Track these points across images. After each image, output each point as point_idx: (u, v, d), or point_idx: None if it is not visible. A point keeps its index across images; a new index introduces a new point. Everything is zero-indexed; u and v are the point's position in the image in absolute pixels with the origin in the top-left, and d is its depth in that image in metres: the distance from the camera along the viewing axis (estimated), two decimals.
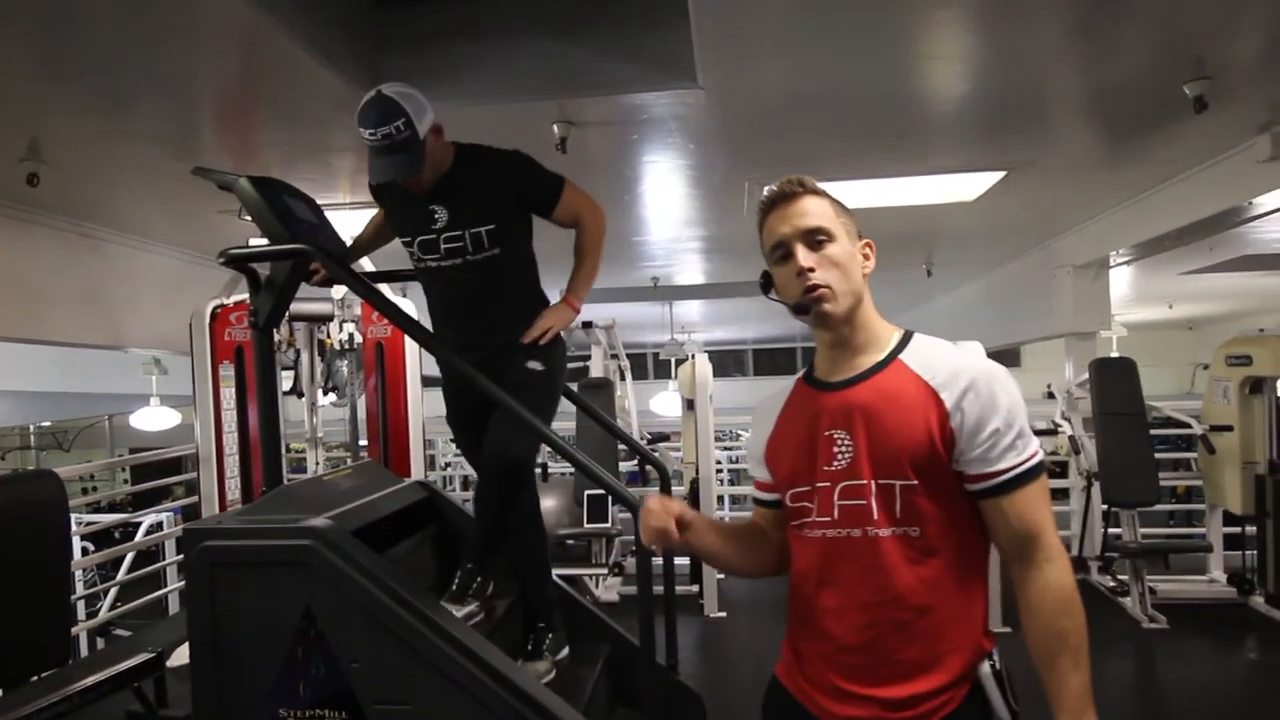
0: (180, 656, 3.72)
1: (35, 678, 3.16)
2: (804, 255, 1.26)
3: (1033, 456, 1.21)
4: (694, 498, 4.81)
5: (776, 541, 1.43)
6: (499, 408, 2.04)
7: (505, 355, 2.10)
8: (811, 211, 1.27)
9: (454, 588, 2.11)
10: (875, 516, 1.22)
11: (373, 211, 2.39)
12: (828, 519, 1.26)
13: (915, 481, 1.21)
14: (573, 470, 5.42)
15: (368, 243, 2.37)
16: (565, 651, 2.19)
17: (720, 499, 7.64)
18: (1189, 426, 4.76)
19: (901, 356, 1.27)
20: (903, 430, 1.21)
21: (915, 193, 4.43)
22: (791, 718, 1.31)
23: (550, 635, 2.18)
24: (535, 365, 2.10)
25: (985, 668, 1.22)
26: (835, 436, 1.26)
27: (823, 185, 1.33)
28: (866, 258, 1.30)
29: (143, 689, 3.23)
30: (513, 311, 2.14)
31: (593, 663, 2.23)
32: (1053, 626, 1.18)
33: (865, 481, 1.23)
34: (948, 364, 1.23)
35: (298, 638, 1.72)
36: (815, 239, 1.27)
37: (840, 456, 1.25)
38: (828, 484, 1.26)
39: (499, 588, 2.18)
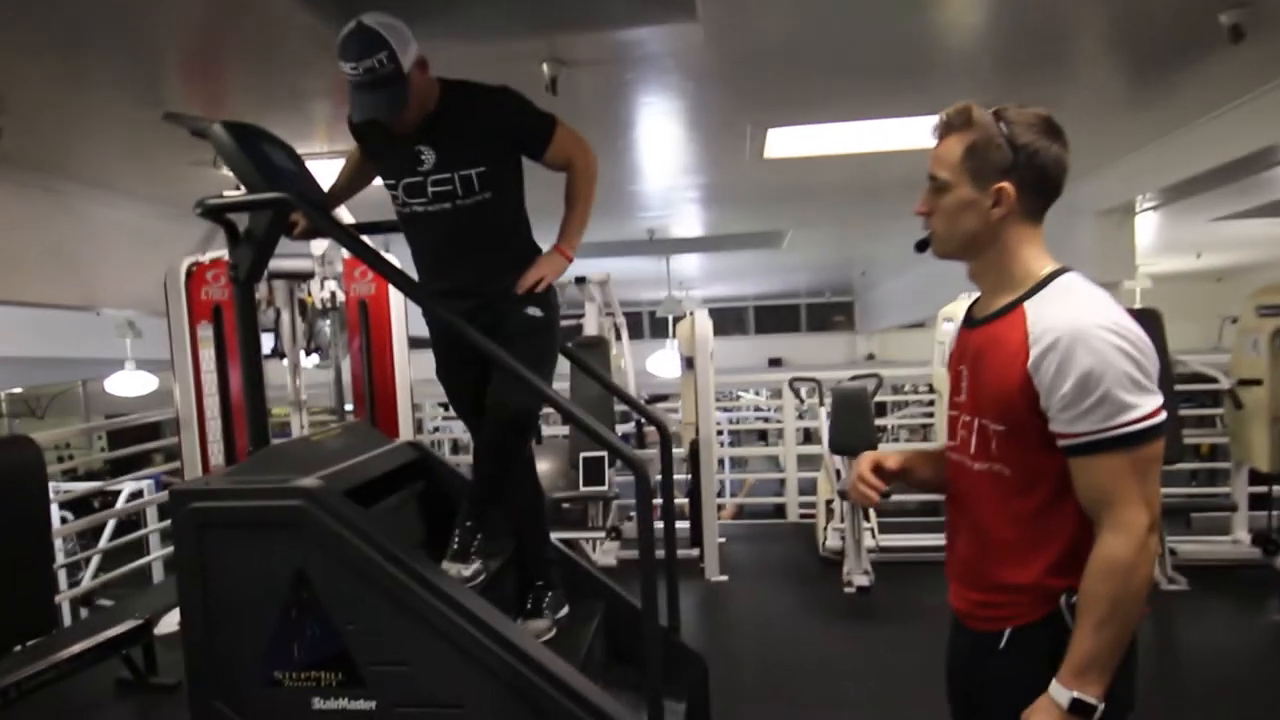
0: (168, 625, 3.81)
1: (19, 647, 3.24)
2: (922, 199, 1.44)
3: (1119, 426, 1.24)
4: (693, 460, 4.86)
5: None
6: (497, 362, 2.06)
7: (500, 304, 2.11)
8: (940, 158, 1.41)
9: (454, 547, 2.14)
10: (973, 451, 1.41)
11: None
12: (953, 444, 1.48)
13: (1002, 428, 1.35)
14: (567, 433, 5.47)
15: (344, 189, 2.35)
16: (565, 610, 2.25)
17: (720, 462, 7.73)
18: (1216, 381, 4.79)
19: (1027, 303, 1.34)
20: (995, 379, 1.35)
21: (922, 135, 4.39)
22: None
23: (550, 593, 2.23)
24: (535, 312, 2.11)
25: (1064, 599, 1.33)
26: (961, 371, 1.46)
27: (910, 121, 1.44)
28: (998, 203, 1.36)
29: (132, 656, 3.31)
30: (504, 260, 2.14)
31: (589, 621, 2.29)
32: (1087, 587, 1.28)
33: (970, 418, 1.41)
34: (1049, 318, 1.30)
35: (291, 599, 1.77)
36: (935, 185, 1.40)
37: (962, 390, 1.45)
38: (955, 413, 1.47)
39: (496, 546, 2.22)
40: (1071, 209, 6.00)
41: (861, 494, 1.56)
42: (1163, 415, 1.27)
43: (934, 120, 1.43)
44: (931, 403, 5.55)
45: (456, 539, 2.17)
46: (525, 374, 1.92)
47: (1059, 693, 1.27)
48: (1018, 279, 1.38)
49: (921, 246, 1.47)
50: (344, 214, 3.77)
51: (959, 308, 4.68)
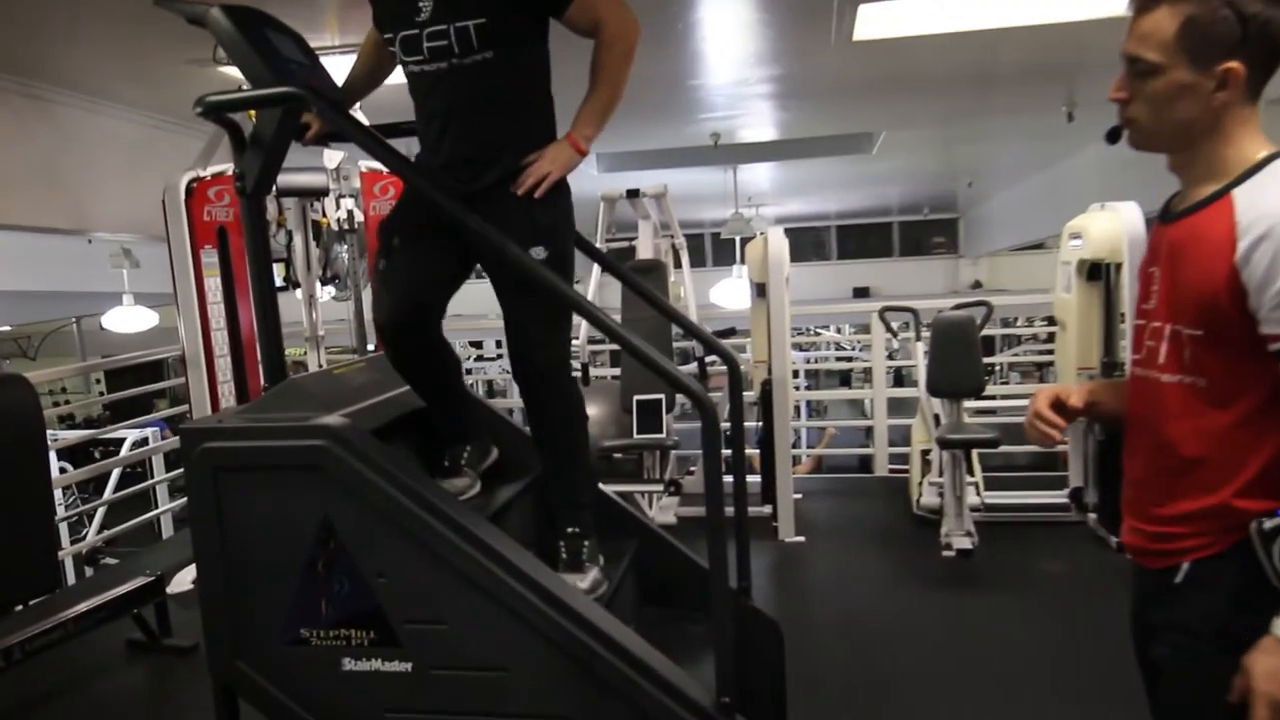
0: (181, 583, 4.01)
1: (21, 606, 3.44)
2: (1119, 82, 1.42)
3: None
4: (765, 405, 4.86)
5: None
6: (508, 290, 2.05)
7: (494, 214, 2.01)
8: (1144, 35, 1.37)
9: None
10: (1162, 361, 1.43)
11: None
12: (1138, 357, 1.50)
13: (1200, 333, 1.36)
14: (618, 374, 5.50)
15: (361, 81, 2.33)
16: (601, 560, 2.24)
17: (796, 408, 7.74)
18: None
19: (1236, 190, 1.35)
20: (1195, 276, 1.36)
21: (1053, 5, 4.20)
22: None
23: (587, 542, 2.19)
24: (540, 253, 2.00)
25: (1255, 524, 1.34)
26: (1152, 273, 1.47)
27: None
28: (1223, 86, 1.34)
29: (143, 616, 3.50)
30: (508, 137, 2.04)
31: (617, 560, 2.32)
32: None
33: (1161, 325, 1.43)
34: (1262, 205, 1.31)
35: (316, 550, 1.84)
36: (1139, 68, 1.38)
37: (1153, 295, 1.46)
38: (1143, 322, 1.49)
39: (610, 546, 2.26)
40: None
41: (1041, 432, 1.60)
42: None
43: None
44: (1051, 338, 5.41)
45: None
46: (553, 285, 1.89)
47: None
48: (1230, 166, 1.38)
49: (1114, 136, 1.48)
50: (359, 116, 3.80)
51: (1090, 221, 4.56)
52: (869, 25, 4.31)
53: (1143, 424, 1.49)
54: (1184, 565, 1.42)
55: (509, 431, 2.54)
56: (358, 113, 3.81)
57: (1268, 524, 1.32)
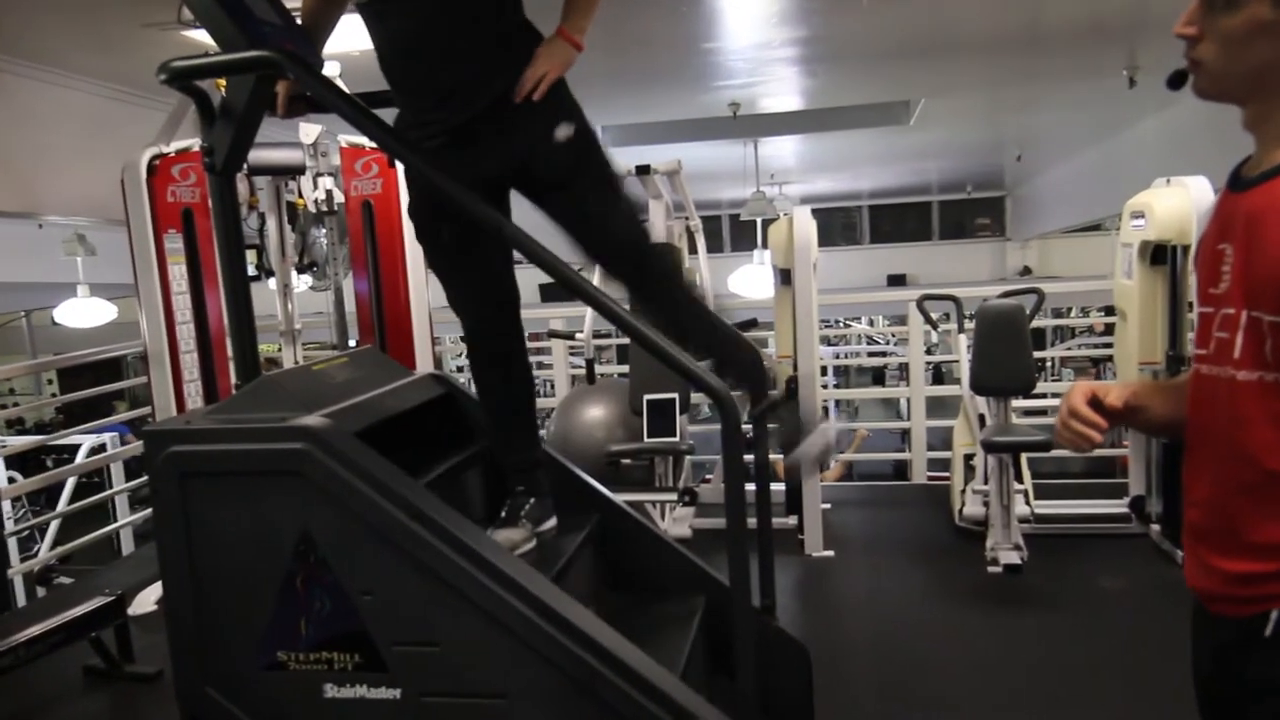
0: (142, 604, 4.04)
1: None
2: (1189, 15, 1.35)
3: None
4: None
5: None
6: (567, 191, 2.10)
7: (503, 129, 2.07)
8: None
9: (503, 514, 2.26)
10: (1237, 355, 1.33)
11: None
12: (1204, 353, 1.40)
13: None
14: (626, 371, 5.50)
15: (313, 14, 2.30)
16: (551, 523, 2.35)
17: (825, 408, 7.74)
18: None
19: None
20: (1278, 252, 1.27)
21: None
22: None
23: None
24: (566, 131, 2.08)
25: None
26: (1223, 251, 1.36)
27: None
28: None
29: (102, 640, 3.52)
30: (488, 55, 2.06)
31: (687, 619, 2.32)
32: None
33: (1236, 311, 1.33)
34: None
35: (295, 564, 1.85)
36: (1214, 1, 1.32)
37: (1224, 277, 1.36)
38: (1210, 309, 1.39)
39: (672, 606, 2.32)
40: None
41: (1077, 433, 1.51)
42: None
43: None
44: (1109, 329, 5.40)
45: (506, 505, 2.26)
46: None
47: None
48: None
49: (1178, 80, 1.43)
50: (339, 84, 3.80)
51: (1154, 198, 4.54)
52: None
53: (1210, 432, 1.40)
54: (1273, 614, 1.31)
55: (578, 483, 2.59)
56: (338, 81, 3.83)
57: None
